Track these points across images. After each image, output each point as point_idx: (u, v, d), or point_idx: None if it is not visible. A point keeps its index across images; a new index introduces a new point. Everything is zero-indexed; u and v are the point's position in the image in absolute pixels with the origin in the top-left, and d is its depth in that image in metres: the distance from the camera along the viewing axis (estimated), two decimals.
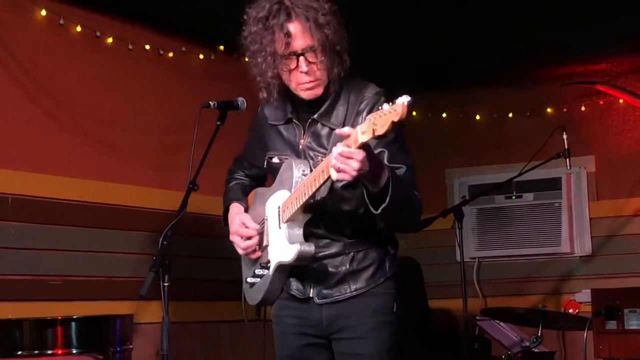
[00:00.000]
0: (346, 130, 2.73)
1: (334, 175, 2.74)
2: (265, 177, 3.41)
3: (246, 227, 3.21)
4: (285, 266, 3.07)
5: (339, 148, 2.70)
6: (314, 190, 2.88)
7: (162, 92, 5.61)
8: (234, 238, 3.25)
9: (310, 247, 3.00)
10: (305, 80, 3.01)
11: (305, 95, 3.05)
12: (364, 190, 2.86)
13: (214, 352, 5.78)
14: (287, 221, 3.03)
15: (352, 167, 2.69)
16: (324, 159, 2.92)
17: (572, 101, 6.87)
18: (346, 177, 2.73)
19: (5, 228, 4.64)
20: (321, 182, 2.84)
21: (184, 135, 5.22)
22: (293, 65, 2.99)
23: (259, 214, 3.24)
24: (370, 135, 2.60)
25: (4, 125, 4.72)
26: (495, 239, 7.00)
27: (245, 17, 3.06)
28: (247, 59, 3.11)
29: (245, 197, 3.37)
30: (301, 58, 2.97)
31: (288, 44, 2.95)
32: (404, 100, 2.52)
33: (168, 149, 5.50)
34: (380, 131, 2.56)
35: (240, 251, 3.26)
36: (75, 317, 4.25)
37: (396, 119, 2.52)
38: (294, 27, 2.95)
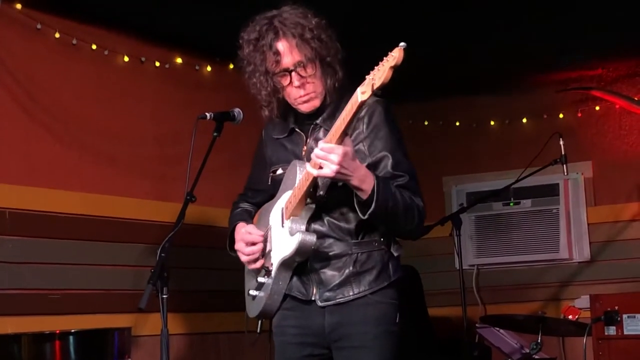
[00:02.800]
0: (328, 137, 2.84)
1: (314, 172, 2.84)
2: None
3: (250, 233, 3.23)
4: (287, 261, 3.07)
5: (320, 144, 2.78)
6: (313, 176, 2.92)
7: (159, 104, 5.61)
8: (238, 245, 3.26)
9: (311, 236, 3.02)
10: (300, 94, 3.09)
11: (304, 108, 3.12)
12: (354, 196, 2.92)
13: None
14: (289, 217, 3.06)
15: (332, 160, 2.78)
16: None
17: (568, 107, 6.88)
18: (327, 174, 2.81)
19: (3, 242, 4.63)
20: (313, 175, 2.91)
21: (180, 146, 5.22)
22: (286, 82, 3.08)
23: (263, 226, 3.26)
24: (370, 92, 2.68)
25: (0, 139, 4.72)
26: (493, 246, 7.00)
27: (240, 41, 3.15)
28: (245, 81, 3.18)
29: (251, 219, 3.40)
30: (293, 74, 3.05)
31: (278, 62, 3.05)
32: (400, 45, 2.62)
33: (165, 161, 5.50)
34: (378, 83, 2.65)
35: (243, 258, 3.25)
36: (73, 331, 4.24)
37: (393, 63, 2.62)
38: (281, 45, 3.04)
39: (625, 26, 5.68)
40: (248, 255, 3.23)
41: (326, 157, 2.79)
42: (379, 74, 2.64)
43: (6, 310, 4.56)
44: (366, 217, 2.91)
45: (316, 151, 2.81)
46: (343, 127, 2.79)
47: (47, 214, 4.86)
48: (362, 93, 2.70)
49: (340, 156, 2.78)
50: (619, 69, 6.70)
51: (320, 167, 2.82)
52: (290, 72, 3.05)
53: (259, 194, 3.41)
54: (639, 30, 5.70)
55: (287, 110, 3.21)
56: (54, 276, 4.85)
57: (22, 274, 4.70)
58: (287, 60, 3.04)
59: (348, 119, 2.77)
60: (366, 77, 2.70)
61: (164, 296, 3.15)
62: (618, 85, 6.72)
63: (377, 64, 2.67)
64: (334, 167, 2.79)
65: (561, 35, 5.82)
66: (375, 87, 2.65)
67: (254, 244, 3.21)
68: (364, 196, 2.89)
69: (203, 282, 5.65)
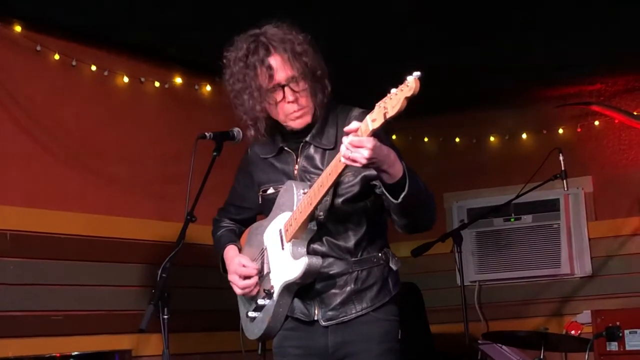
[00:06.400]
0: (354, 125, 2.73)
1: (345, 161, 2.74)
2: (254, 219, 3.41)
3: (244, 266, 3.21)
4: (291, 285, 3.06)
5: (349, 138, 2.71)
6: (321, 196, 2.90)
7: (158, 124, 5.62)
8: (232, 277, 3.25)
9: (317, 260, 3.02)
10: (293, 109, 3.06)
11: (296, 124, 3.09)
12: (381, 184, 2.87)
13: None
14: (290, 239, 3.04)
15: (363, 155, 2.69)
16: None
17: (567, 122, 6.89)
18: (357, 165, 2.74)
19: (4, 264, 4.63)
20: (330, 183, 2.86)
21: (181, 166, 5.21)
22: (279, 97, 3.05)
23: (256, 246, 3.25)
24: (382, 121, 2.61)
25: (0, 161, 4.72)
26: (495, 262, 6.99)
27: (225, 60, 3.12)
28: (232, 101, 3.15)
29: (238, 239, 3.39)
30: (286, 89, 3.03)
31: (271, 77, 3.02)
32: (415, 75, 2.54)
33: (165, 181, 5.50)
34: (391, 112, 2.58)
35: (238, 291, 3.24)
36: (73, 354, 4.25)
37: (409, 94, 2.54)
38: (274, 60, 3.02)
39: (623, 41, 5.69)
40: (242, 288, 3.22)
41: (356, 150, 2.70)
42: (392, 103, 2.57)
43: (7, 333, 4.55)
44: (400, 200, 2.82)
45: (346, 145, 2.71)
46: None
47: (47, 235, 4.86)
48: (372, 121, 2.64)
49: (370, 150, 2.69)
50: (617, 84, 6.71)
51: (350, 159, 2.73)
52: (283, 87, 3.03)
53: (243, 211, 3.41)
54: (638, 45, 5.71)
55: (273, 129, 3.18)
56: (56, 297, 4.84)
57: (24, 295, 4.70)
58: (281, 75, 3.02)
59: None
60: (376, 104, 2.64)
61: (165, 316, 3.15)
62: (617, 100, 6.74)
63: (389, 92, 2.60)
64: (364, 161, 2.71)
65: (560, 50, 5.83)
66: (388, 116, 2.58)
67: (248, 277, 3.20)
68: (391, 180, 2.82)
69: (204, 301, 5.63)
